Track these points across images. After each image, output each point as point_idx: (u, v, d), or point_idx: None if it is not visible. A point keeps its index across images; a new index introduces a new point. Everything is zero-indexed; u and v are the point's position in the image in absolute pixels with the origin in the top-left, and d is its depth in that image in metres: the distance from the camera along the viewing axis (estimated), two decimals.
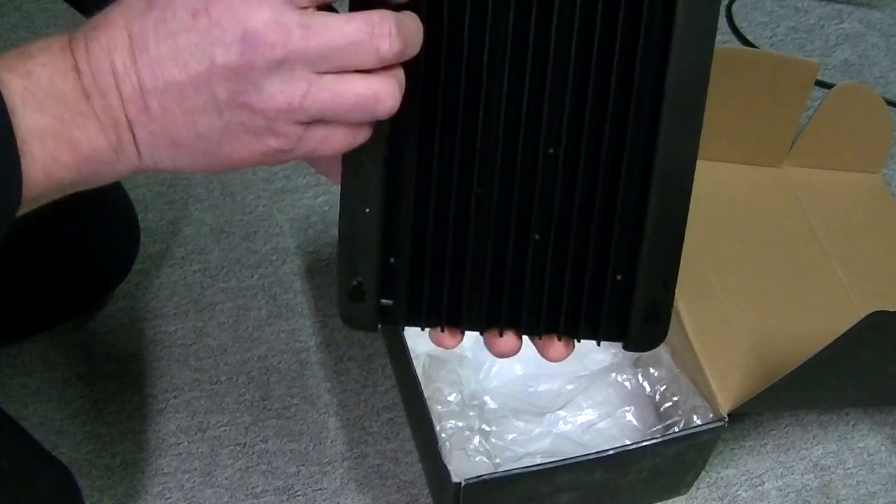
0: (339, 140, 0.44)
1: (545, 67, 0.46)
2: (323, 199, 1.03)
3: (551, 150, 0.47)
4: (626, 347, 0.50)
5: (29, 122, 0.42)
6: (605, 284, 0.49)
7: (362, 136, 0.45)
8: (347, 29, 0.41)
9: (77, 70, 0.43)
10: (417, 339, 0.84)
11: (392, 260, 0.49)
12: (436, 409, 0.78)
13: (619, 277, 0.49)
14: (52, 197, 0.45)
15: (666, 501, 0.86)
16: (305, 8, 0.41)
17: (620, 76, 0.46)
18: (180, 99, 0.42)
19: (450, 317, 0.50)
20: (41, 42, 0.44)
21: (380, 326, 0.51)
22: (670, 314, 0.50)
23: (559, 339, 0.51)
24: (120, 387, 0.89)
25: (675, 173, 0.48)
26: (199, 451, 0.86)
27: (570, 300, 0.50)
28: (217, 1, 0.41)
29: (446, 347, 0.53)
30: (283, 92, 0.42)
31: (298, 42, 0.41)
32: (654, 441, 0.76)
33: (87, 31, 0.43)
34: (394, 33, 0.42)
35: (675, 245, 0.49)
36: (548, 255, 0.49)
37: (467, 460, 0.77)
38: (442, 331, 0.51)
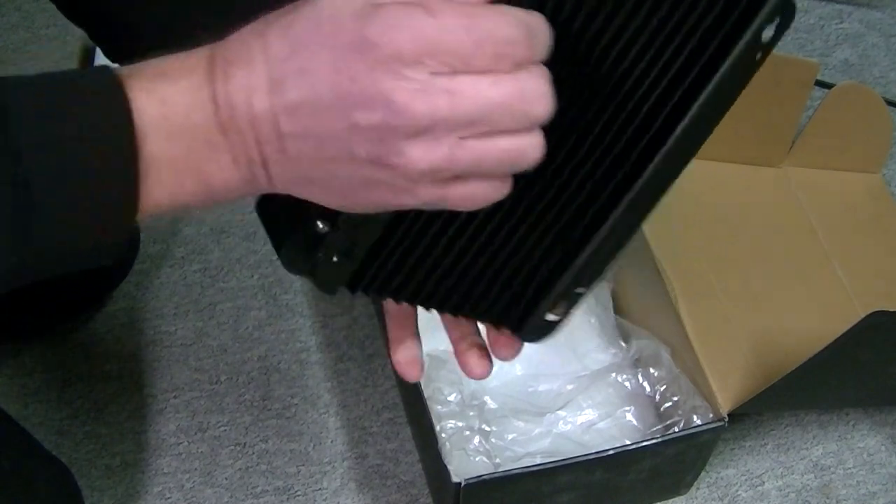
0: (481, 195, 0.42)
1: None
2: None
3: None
4: (521, 338, 0.52)
5: (159, 150, 0.42)
6: (530, 279, 0.49)
7: (505, 188, 0.43)
8: (496, 94, 0.39)
9: (215, 103, 0.42)
10: None
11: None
12: (436, 409, 0.78)
13: (542, 274, 0.49)
14: (175, 214, 0.44)
15: (666, 501, 0.86)
16: (453, 73, 0.39)
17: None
18: (318, 148, 0.41)
19: (383, 284, 0.49)
20: (179, 62, 0.42)
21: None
22: (569, 316, 0.50)
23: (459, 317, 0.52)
24: (120, 387, 0.89)
25: (644, 199, 0.46)
26: (199, 451, 0.86)
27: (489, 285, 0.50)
28: (361, 60, 0.39)
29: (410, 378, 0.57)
30: (426, 157, 0.40)
31: (445, 111, 0.39)
32: (654, 441, 0.76)
33: (226, 63, 0.42)
34: (546, 93, 0.40)
35: (607, 258, 0.48)
36: (490, 240, 0.48)
37: (467, 460, 0.77)
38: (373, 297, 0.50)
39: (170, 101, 0.42)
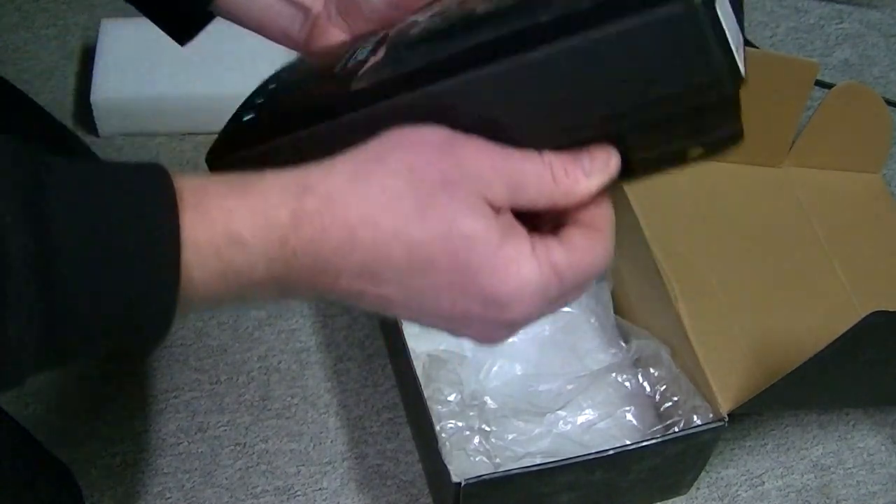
0: None
1: None
2: None
3: None
4: None
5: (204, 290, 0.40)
6: None
7: None
8: (583, 290, 0.44)
9: (287, 267, 0.40)
10: (417, 340, 0.84)
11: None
12: (436, 409, 0.78)
13: None
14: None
15: (666, 501, 0.86)
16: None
17: None
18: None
19: None
20: (261, 218, 0.39)
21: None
22: None
23: None
24: (120, 387, 0.89)
25: None
26: (199, 451, 0.86)
27: None
28: (483, 313, 0.42)
29: None
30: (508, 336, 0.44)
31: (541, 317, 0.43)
32: (654, 441, 0.76)
33: (318, 254, 0.40)
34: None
35: None
36: None
37: (467, 460, 0.77)
38: None
39: (235, 265, 0.39)
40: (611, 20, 0.41)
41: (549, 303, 0.42)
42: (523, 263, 0.41)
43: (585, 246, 0.42)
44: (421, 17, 0.49)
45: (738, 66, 0.43)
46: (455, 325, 0.43)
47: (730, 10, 0.44)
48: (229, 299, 0.41)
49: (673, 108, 0.44)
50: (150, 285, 0.38)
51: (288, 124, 0.47)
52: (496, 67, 0.42)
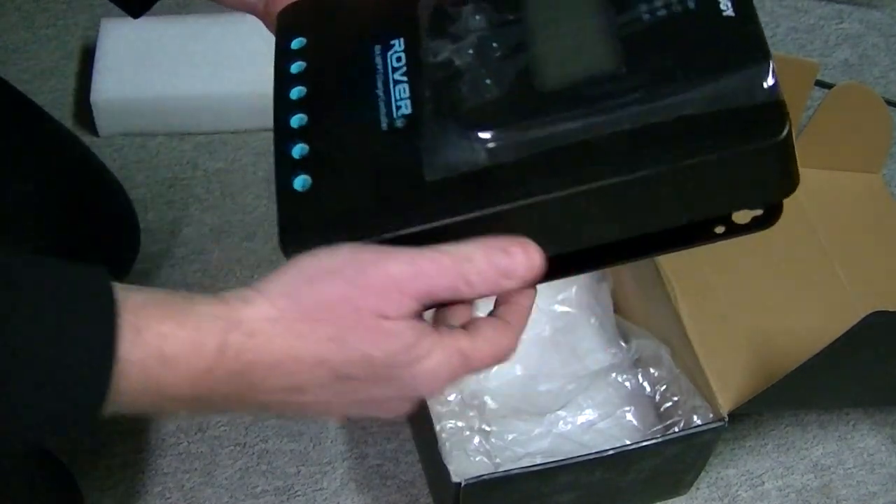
0: None
1: None
2: None
3: None
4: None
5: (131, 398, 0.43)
6: None
7: None
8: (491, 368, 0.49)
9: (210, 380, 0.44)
10: None
11: None
12: (436, 409, 0.78)
13: None
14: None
15: (666, 501, 0.86)
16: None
17: None
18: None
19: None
20: (191, 334, 0.43)
21: None
22: None
23: None
24: None
25: None
26: (199, 451, 0.86)
27: None
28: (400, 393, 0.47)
29: None
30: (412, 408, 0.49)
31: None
32: (654, 441, 0.76)
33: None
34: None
35: None
36: None
37: (467, 460, 0.77)
38: None
39: (161, 382, 0.43)
40: (718, 144, 0.46)
41: (458, 379, 0.48)
42: (433, 356, 0.46)
43: (491, 337, 0.48)
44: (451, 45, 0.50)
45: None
46: (368, 410, 0.48)
47: None
48: (150, 408, 0.44)
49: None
50: (82, 394, 0.41)
51: (355, 212, 0.48)
52: (606, 181, 0.46)
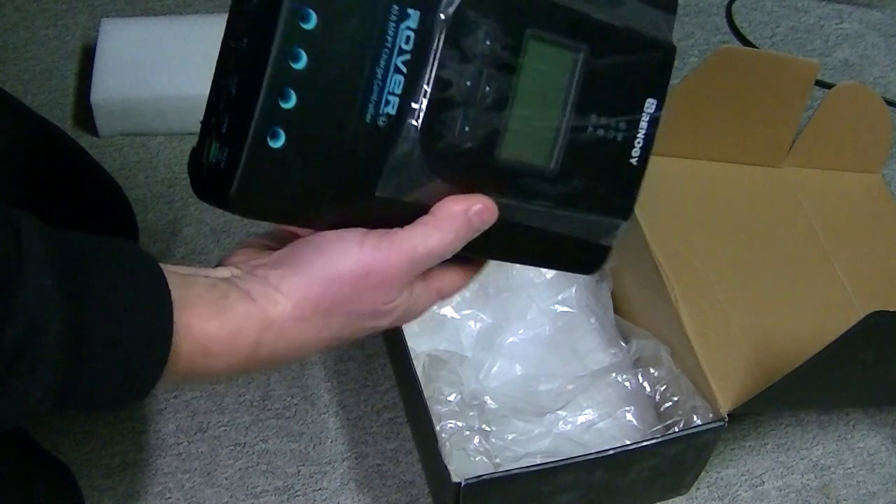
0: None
1: None
2: None
3: None
4: None
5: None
6: None
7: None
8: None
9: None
10: (417, 340, 0.84)
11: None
12: (436, 409, 0.78)
13: None
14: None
15: (666, 501, 0.86)
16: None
17: None
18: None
19: None
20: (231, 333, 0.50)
21: None
22: None
23: None
24: None
25: None
26: (199, 451, 0.86)
27: None
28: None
29: None
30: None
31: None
32: (654, 441, 0.76)
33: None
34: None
35: None
36: None
37: (467, 460, 0.77)
38: None
39: (200, 369, 0.51)
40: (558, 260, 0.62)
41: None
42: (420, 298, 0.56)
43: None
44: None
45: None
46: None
47: None
48: (186, 384, 0.53)
49: None
50: (138, 381, 0.48)
51: (327, 181, 0.50)
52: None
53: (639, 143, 0.59)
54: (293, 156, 0.48)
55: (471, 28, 0.50)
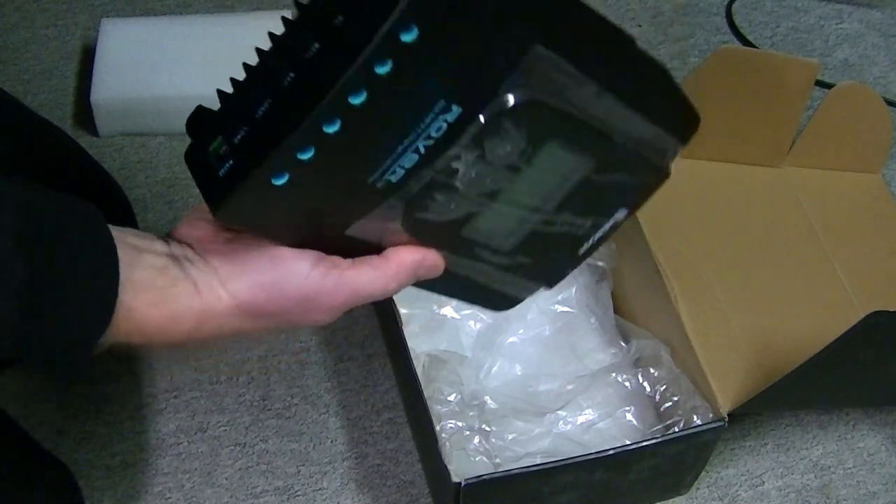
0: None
1: None
2: None
3: None
4: None
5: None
6: None
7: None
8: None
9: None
10: (417, 340, 0.84)
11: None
12: (436, 409, 0.78)
13: None
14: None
15: (666, 501, 0.86)
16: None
17: None
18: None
19: None
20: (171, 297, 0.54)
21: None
22: None
23: None
24: (120, 387, 0.89)
25: None
26: (199, 451, 0.86)
27: None
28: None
29: None
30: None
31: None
32: (654, 441, 0.76)
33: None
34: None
35: None
36: None
37: (467, 460, 0.77)
38: None
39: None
40: None
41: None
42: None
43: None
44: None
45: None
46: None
47: None
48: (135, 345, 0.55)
49: None
50: (83, 340, 0.51)
51: (309, 219, 0.53)
52: None
53: (593, 239, 0.61)
54: (287, 196, 0.49)
55: (501, 134, 0.50)
